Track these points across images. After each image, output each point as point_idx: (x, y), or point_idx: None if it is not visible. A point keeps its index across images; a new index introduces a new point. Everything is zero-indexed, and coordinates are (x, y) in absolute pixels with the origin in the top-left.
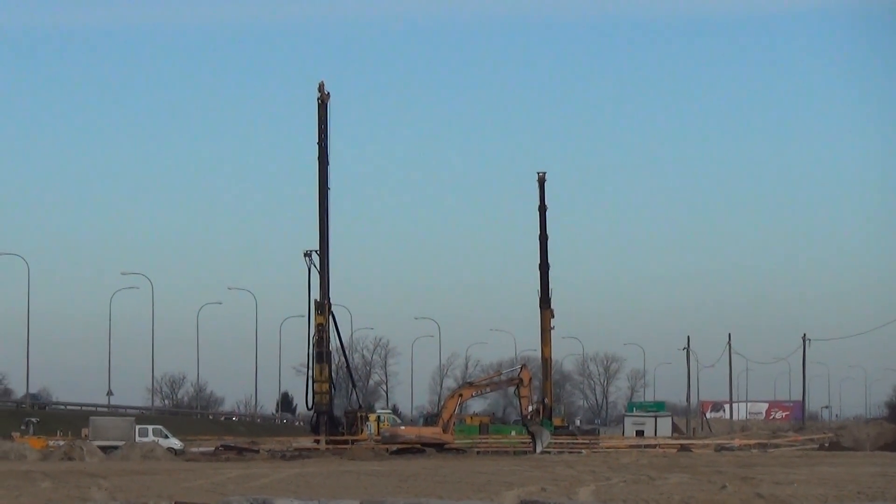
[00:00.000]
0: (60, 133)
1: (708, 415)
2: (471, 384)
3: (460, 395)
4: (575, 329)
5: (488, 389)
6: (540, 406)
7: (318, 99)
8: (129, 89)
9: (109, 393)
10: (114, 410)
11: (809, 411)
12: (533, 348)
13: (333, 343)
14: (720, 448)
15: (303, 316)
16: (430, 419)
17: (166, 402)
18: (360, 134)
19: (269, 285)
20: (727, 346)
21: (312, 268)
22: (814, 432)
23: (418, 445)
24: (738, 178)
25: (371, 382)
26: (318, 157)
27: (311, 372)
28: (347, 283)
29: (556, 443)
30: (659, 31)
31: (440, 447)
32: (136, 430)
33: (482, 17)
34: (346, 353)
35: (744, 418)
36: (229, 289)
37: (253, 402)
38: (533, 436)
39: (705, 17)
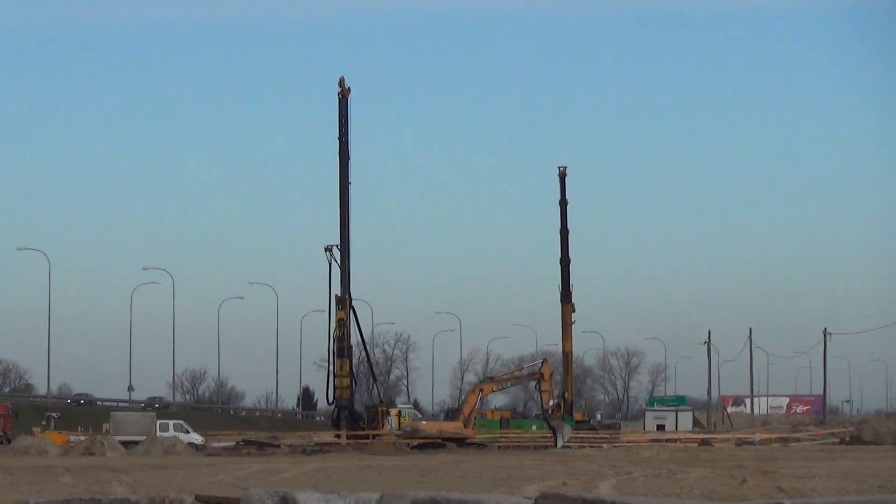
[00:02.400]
0: (81, 128)
1: (729, 409)
2: (492, 379)
3: (481, 390)
4: (596, 323)
5: (509, 384)
6: (561, 400)
7: (338, 94)
8: (148, 84)
9: (130, 388)
10: (136, 405)
11: (830, 405)
12: (554, 343)
13: (354, 338)
14: (741, 442)
15: (323, 311)
16: (451, 414)
17: (187, 397)
18: (380, 129)
19: (289, 280)
20: (748, 341)
21: (333, 262)
22: (835, 426)
23: (439, 440)
24: (759, 172)
25: (392, 377)
26: (339, 152)
27: (331, 367)
28: (368, 277)
29: (577, 437)
30: (680, 28)
31: (461, 442)
32: (157, 425)
33: (502, 11)
34: (367, 347)
35: (764, 412)
36: (250, 284)
37: (274, 397)
38: (554, 430)
39: (730, 11)
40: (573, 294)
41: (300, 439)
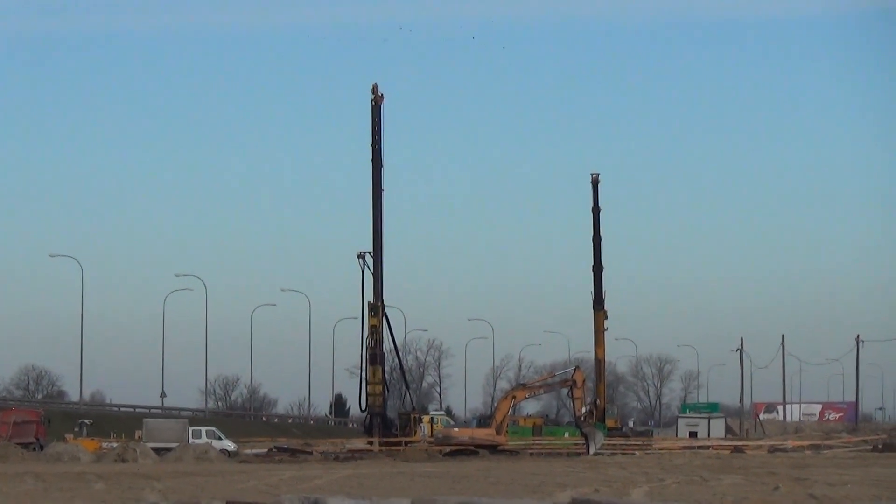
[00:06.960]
0: (113, 135)
1: (761, 416)
2: (524, 386)
3: (513, 397)
4: (628, 330)
5: (542, 391)
6: (593, 408)
7: (371, 101)
8: (180, 92)
9: (163, 395)
10: (167, 412)
11: (863, 412)
12: (586, 350)
13: (387, 345)
14: (773, 449)
15: (356, 318)
16: (483, 421)
17: (220, 404)
18: (413, 135)
19: (322, 287)
20: (780, 348)
21: (366, 269)
22: (867, 433)
23: (471, 447)
24: (790, 179)
25: (424, 384)
26: (372, 159)
27: (364, 374)
28: (401, 284)
29: (609, 444)
30: (717, 37)
31: (493, 449)
32: (190, 432)
33: (534, 19)
34: (400, 354)
35: (797, 420)
36: (283, 290)
37: (306, 404)
38: (586, 437)
39: (768, 23)
40: (606, 301)
41: (332, 446)
